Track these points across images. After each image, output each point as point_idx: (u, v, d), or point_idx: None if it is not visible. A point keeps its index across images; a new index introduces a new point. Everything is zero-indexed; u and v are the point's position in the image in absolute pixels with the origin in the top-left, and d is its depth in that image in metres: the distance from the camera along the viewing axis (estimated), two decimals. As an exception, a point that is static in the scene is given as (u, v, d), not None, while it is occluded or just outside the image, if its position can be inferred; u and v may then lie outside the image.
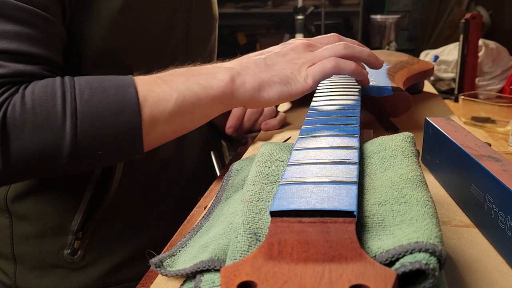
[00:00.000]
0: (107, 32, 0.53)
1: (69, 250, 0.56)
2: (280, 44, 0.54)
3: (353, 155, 0.31)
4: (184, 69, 0.48)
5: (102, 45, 0.54)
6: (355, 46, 0.52)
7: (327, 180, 0.27)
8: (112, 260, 0.59)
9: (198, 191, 0.70)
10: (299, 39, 0.54)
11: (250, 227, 0.26)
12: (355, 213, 0.23)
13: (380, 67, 0.55)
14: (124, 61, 0.57)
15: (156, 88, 0.45)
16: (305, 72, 0.50)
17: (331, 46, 0.51)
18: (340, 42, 0.52)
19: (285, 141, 0.62)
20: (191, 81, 0.46)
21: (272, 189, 0.32)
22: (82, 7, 0.51)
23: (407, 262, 0.21)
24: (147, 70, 0.56)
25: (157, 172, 0.68)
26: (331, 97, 0.49)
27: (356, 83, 0.56)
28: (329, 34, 0.56)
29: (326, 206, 0.24)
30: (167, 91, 0.45)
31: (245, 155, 0.60)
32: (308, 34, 2.46)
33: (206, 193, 0.50)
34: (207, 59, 0.72)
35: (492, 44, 1.08)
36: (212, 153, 0.71)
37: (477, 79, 1.01)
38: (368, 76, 0.65)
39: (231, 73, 0.47)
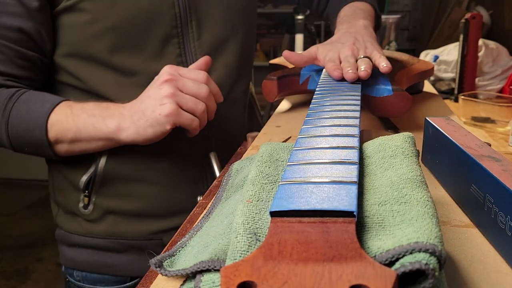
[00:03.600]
0: (78, 41, 0.64)
1: (82, 204, 0.70)
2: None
3: (353, 155, 0.31)
4: (94, 107, 0.61)
5: (74, 50, 0.65)
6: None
7: (327, 180, 0.27)
8: (115, 218, 0.70)
9: (198, 191, 0.71)
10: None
11: (250, 227, 0.26)
12: (355, 213, 0.23)
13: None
14: (104, 59, 0.65)
15: (63, 120, 0.60)
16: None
17: None
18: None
19: (285, 141, 0.62)
20: (89, 121, 0.60)
21: (272, 189, 0.32)
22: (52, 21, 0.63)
23: (407, 262, 0.21)
24: (131, 63, 0.65)
25: (156, 172, 0.69)
26: (331, 97, 0.49)
27: (356, 84, 0.56)
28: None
29: (326, 206, 0.24)
30: (70, 124, 0.60)
31: (245, 155, 0.60)
32: (308, 34, 2.46)
33: (206, 193, 0.50)
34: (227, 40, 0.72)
35: (492, 44, 1.08)
36: (211, 154, 0.71)
37: (477, 79, 1.01)
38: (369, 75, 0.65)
39: (117, 122, 0.59)
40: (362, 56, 0.61)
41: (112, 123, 0.59)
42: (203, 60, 0.64)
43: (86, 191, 0.69)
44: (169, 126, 0.57)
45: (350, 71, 0.56)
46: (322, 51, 0.64)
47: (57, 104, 0.61)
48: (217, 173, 0.69)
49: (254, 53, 0.85)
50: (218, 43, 0.71)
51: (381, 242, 0.24)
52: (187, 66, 0.67)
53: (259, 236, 0.26)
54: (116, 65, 0.65)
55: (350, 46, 0.62)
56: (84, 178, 0.69)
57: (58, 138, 0.61)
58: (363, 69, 0.56)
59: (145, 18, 0.64)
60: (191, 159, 0.71)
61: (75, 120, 0.60)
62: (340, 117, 0.40)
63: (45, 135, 0.60)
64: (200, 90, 0.59)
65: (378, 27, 0.87)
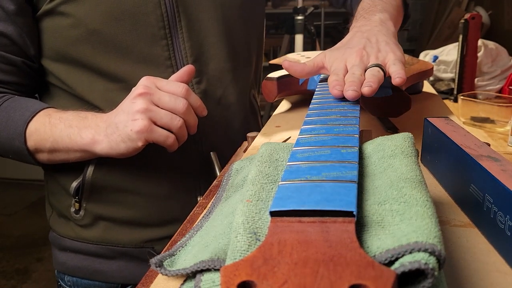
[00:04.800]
0: (62, 46, 0.63)
1: (73, 209, 0.70)
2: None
3: (353, 155, 0.31)
4: (72, 117, 0.60)
5: (59, 55, 0.64)
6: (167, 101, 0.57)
7: (326, 180, 0.27)
8: (106, 224, 0.70)
9: (190, 201, 0.70)
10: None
11: (250, 227, 0.27)
12: (354, 213, 0.24)
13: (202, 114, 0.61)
14: (90, 64, 0.64)
15: (41, 129, 0.60)
16: None
17: None
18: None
19: (285, 141, 0.62)
20: (65, 132, 0.59)
21: (272, 189, 0.32)
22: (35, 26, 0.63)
23: (407, 262, 0.21)
24: (118, 67, 0.64)
25: (147, 183, 0.69)
26: (331, 97, 0.49)
27: None
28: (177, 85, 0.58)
29: (325, 206, 0.24)
30: (48, 134, 0.60)
31: (245, 155, 0.60)
32: (308, 34, 2.46)
33: (206, 193, 0.50)
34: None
35: (491, 44, 1.08)
36: (211, 154, 0.71)
37: (476, 79, 1.02)
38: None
39: (92, 134, 0.58)
40: (373, 65, 0.50)
41: (87, 135, 0.58)
42: (185, 70, 0.62)
43: (77, 197, 0.69)
44: (141, 143, 0.55)
45: (350, 89, 0.46)
46: (329, 59, 0.55)
47: (37, 113, 0.61)
48: (217, 173, 0.69)
49: (255, 52, 0.79)
50: (210, 45, 0.68)
51: (380, 242, 0.24)
52: (177, 70, 0.65)
53: (259, 235, 0.26)
54: (103, 70, 0.63)
55: (359, 52, 0.52)
56: (74, 184, 0.68)
57: (37, 147, 0.61)
58: (368, 85, 0.46)
59: (130, 19, 0.62)
60: (182, 169, 0.70)
61: (52, 130, 0.60)
62: (340, 117, 0.40)
63: (24, 144, 0.60)
64: (177, 105, 0.56)
65: (406, 18, 0.76)
